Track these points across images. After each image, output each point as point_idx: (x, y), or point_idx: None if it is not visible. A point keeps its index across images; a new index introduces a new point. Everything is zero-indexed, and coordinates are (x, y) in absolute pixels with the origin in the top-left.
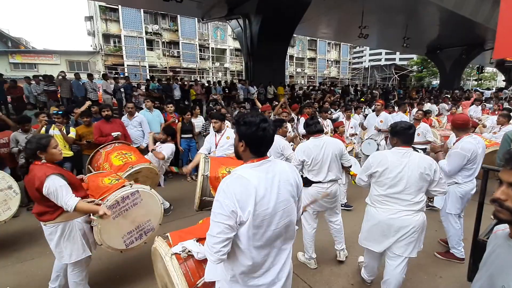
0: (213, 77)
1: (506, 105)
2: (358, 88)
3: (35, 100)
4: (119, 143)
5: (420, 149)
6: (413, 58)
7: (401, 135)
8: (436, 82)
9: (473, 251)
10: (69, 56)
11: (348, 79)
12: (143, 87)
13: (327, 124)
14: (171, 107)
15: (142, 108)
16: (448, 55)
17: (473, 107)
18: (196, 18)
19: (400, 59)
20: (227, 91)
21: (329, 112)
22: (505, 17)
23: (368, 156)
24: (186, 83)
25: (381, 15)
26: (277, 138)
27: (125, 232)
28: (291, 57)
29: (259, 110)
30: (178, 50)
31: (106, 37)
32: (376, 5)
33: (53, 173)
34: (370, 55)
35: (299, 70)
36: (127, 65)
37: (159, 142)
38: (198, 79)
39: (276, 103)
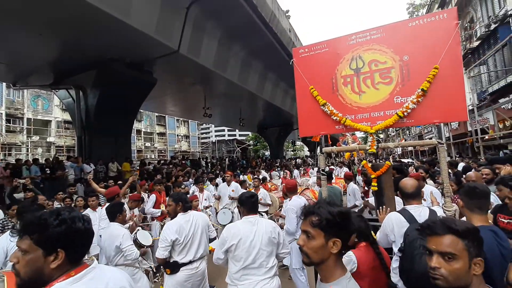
0: (28, 154)
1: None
2: (208, 160)
3: None
4: None
5: (263, 212)
6: (249, 134)
7: (247, 204)
8: (267, 153)
9: None
10: None
11: (199, 152)
12: None
13: (206, 197)
14: None
15: None
16: (272, 132)
17: (295, 171)
18: (3, 83)
19: (240, 135)
20: (48, 172)
21: (182, 186)
22: (301, 110)
23: (224, 225)
24: None
25: (220, 99)
26: (115, 227)
27: None
28: (139, 131)
29: (103, 194)
30: None
31: None
32: (214, 92)
33: None
34: (216, 131)
35: (148, 144)
36: None
37: None
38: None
39: (120, 182)
